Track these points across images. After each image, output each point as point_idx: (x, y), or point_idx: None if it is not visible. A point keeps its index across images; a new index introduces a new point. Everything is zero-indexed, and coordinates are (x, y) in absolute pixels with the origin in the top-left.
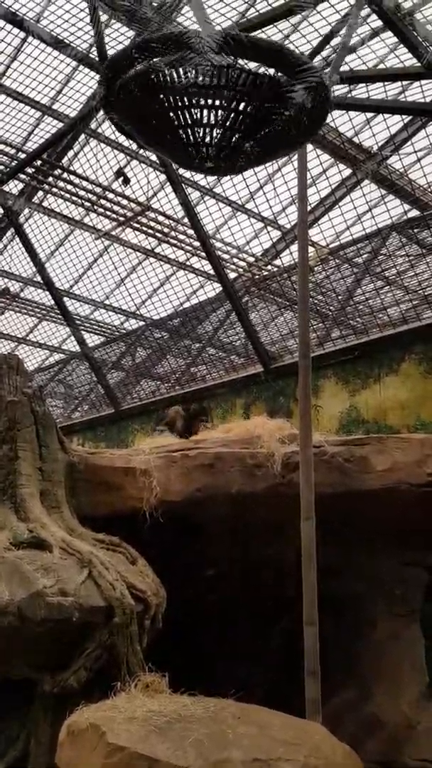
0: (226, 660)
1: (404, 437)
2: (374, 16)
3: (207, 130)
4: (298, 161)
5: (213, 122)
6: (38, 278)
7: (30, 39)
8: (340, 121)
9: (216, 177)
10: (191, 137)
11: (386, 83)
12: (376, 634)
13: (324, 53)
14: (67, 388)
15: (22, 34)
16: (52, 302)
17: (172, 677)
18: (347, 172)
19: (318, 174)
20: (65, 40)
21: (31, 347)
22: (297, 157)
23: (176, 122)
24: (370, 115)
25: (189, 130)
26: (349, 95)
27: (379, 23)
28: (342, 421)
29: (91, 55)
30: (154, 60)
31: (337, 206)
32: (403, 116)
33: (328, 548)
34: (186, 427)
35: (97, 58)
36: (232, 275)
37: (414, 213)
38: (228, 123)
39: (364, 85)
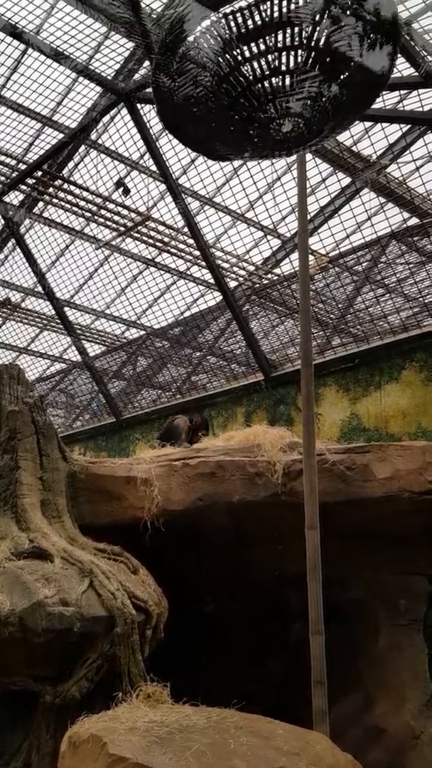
0: (227, 670)
1: (405, 445)
2: None
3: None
4: (297, 169)
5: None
6: (39, 288)
7: (30, 51)
8: None
9: (226, 176)
10: (268, 97)
11: (384, 92)
12: (378, 643)
13: None
14: (69, 398)
15: (22, 46)
16: (53, 312)
17: (174, 687)
18: (346, 181)
19: (317, 183)
20: (65, 52)
21: (33, 357)
22: (296, 166)
23: (251, 78)
24: (368, 124)
25: (267, 89)
26: None
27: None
28: (343, 429)
29: (90, 66)
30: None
31: (336, 215)
32: (402, 125)
33: (329, 557)
34: (188, 439)
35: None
36: (232, 284)
37: (414, 221)
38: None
39: None
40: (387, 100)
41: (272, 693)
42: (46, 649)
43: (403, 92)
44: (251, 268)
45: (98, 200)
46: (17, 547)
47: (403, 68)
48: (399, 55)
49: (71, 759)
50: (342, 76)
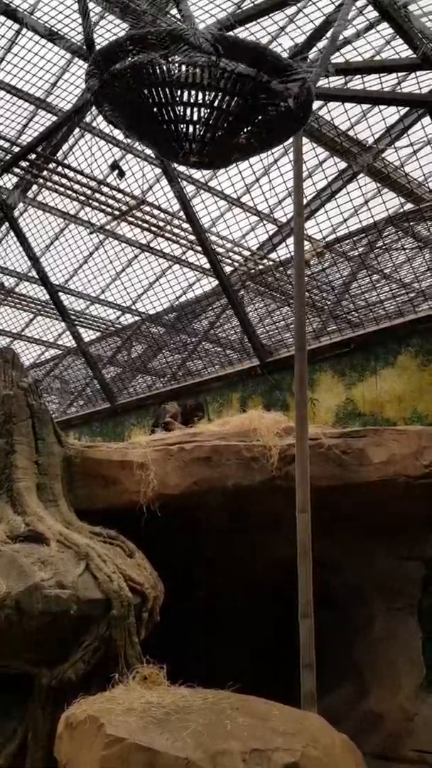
0: (223, 652)
1: (401, 429)
2: (371, 8)
3: (191, 125)
4: (293, 154)
5: (196, 119)
6: (33, 273)
7: (24, 31)
8: (336, 113)
9: (211, 170)
10: (176, 132)
11: (382, 75)
12: (373, 628)
13: (320, 44)
14: (63, 384)
15: (16, 26)
16: (47, 297)
17: (170, 671)
18: (343, 165)
19: (314, 167)
20: (59, 32)
21: (27, 343)
22: (293, 150)
23: (161, 117)
24: (366, 108)
25: (174, 125)
26: (346, 87)
27: (375, 15)
28: (338, 414)
29: (85, 47)
30: (141, 54)
31: (333, 199)
32: (399, 109)
33: (324, 542)
34: (183, 423)
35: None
36: (227, 269)
37: (410, 206)
38: (211, 120)
39: (360, 77)
40: (385, 82)
41: (268, 676)
42: (42, 632)
43: (400, 75)
44: (247, 253)
45: (93, 184)
46: (13, 530)
47: (401, 50)
48: (397, 37)
49: (68, 740)
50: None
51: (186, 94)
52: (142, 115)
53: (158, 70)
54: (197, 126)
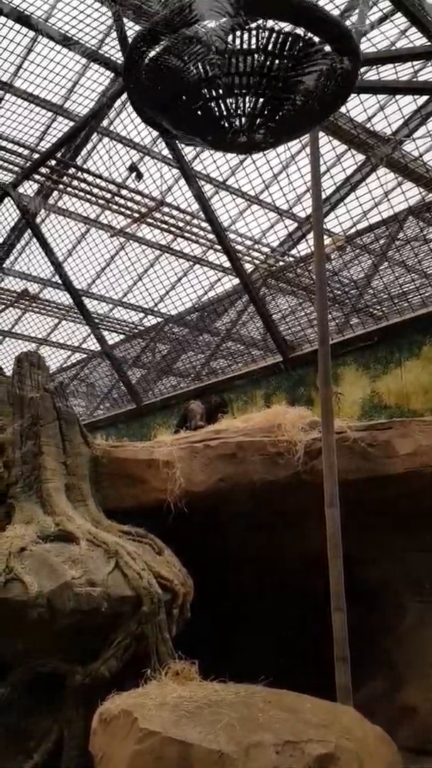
0: (253, 650)
1: (427, 420)
2: None
3: (240, 98)
4: (310, 148)
5: (246, 87)
6: (56, 279)
7: (40, 38)
8: (351, 104)
9: (240, 158)
10: (224, 109)
11: (397, 65)
12: (405, 621)
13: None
14: (89, 387)
15: (32, 34)
16: (71, 302)
17: (201, 667)
18: (361, 158)
19: (332, 162)
20: (74, 38)
21: (53, 348)
22: (309, 145)
23: (208, 94)
24: (382, 99)
25: (221, 102)
26: (361, 78)
27: (389, 5)
28: (364, 407)
29: (100, 51)
30: (178, 33)
31: (352, 193)
32: (417, 100)
33: (353, 535)
34: (207, 420)
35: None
36: (248, 267)
37: (431, 197)
38: (261, 88)
39: (374, 68)
40: (400, 73)
41: (299, 671)
42: (74, 630)
43: (416, 65)
44: (267, 250)
45: (112, 187)
46: (43, 530)
47: (415, 38)
48: (412, 27)
49: (103, 735)
50: (293, 101)
51: (233, 62)
52: (185, 103)
53: (203, 41)
54: (248, 97)
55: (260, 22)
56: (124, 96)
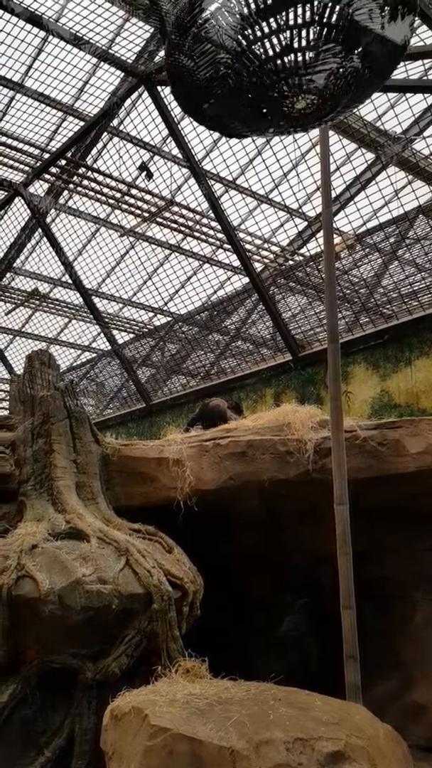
0: (262, 646)
1: None
2: None
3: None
4: (320, 147)
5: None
6: (66, 278)
7: (50, 38)
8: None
9: (250, 157)
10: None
11: (407, 62)
12: (415, 620)
13: None
14: (99, 386)
15: (42, 34)
16: (81, 301)
17: (210, 665)
18: (371, 156)
19: (342, 160)
20: (85, 37)
21: (63, 347)
22: (319, 143)
23: (264, 57)
24: (392, 97)
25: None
26: None
27: None
28: (374, 406)
29: (111, 51)
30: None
31: (362, 192)
32: (427, 98)
33: (363, 534)
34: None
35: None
36: (258, 266)
37: None
38: (320, 44)
39: None
40: (411, 70)
41: (308, 670)
42: (85, 627)
43: (427, 64)
44: (277, 249)
45: (122, 187)
46: (54, 528)
47: (425, 36)
48: (422, 24)
49: (113, 731)
50: (360, 49)
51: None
52: (237, 83)
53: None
54: (307, 56)
55: None
56: (134, 95)
